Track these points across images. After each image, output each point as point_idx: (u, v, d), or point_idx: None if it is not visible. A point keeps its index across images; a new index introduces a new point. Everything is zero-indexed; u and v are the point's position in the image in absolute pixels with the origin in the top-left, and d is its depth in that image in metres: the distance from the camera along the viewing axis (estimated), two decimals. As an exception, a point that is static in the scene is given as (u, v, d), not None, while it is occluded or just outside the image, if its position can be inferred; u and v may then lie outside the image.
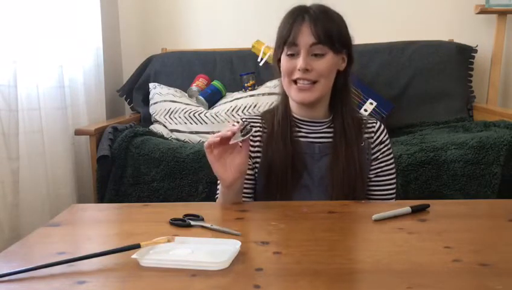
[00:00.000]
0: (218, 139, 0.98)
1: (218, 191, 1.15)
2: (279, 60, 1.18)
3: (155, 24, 2.82)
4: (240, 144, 1.01)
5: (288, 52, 1.11)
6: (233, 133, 0.99)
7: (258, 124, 1.20)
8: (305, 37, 1.09)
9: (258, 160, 1.18)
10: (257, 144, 1.18)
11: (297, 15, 1.11)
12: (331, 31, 1.10)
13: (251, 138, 1.19)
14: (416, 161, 1.77)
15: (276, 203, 1.07)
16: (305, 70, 1.09)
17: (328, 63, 1.11)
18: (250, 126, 1.05)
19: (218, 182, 1.13)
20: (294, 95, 1.13)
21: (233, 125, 1.03)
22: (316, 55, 1.10)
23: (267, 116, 1.21)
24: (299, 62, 1.09)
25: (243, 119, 1.21)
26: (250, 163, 1.18)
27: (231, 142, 0.99)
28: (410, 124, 2.37)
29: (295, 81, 1.12)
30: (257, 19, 2.70)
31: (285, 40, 1.10)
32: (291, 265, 0.72)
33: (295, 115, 1.18)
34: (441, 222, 0.91)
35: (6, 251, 0.79)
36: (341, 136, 1.15)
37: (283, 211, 0.99)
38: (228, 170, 1.02)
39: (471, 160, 1.75)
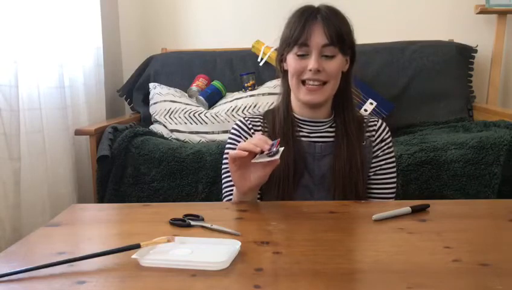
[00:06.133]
0: (246, 154, 0.94)
1: (228, 190, 1.16)
2: (281, 60, 1.18)
3: (155, 24, 2.82)
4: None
5: (299, 53, 1.11)
6: (262, 151, 0.94)
7: (260, 124, 1.20)
8: (318, 38, 1.09)
9: None
10: None
11: (308, 15, 1.11)
12: (342, 32, 1.10)
13: (251, 135, 1.19)
14: (416, 161, 1.77)
15: (276, 203, 1.07)
16: (317, 71, 1.09)
17: (338, 64, 1.11)
18: (281, 146, 0.97)
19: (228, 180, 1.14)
20: (303, 96, 1.13)
21: (264, 140, 0.96)
22: (326, 56, 1.10)
23: (269, 116, 1.21)
24: (311, 63, 1.09)
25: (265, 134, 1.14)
26: None
27: (254, 161, 0.94)
28: (410, 124, 2.36)
29: (303, 82, 1.12)
30: (257, 19, 2.70)
31: (297, 40, 1.10)
32: (291, 265, 0.72)
33: (296, 115, 1.19)
34: (441, 222, 0.91)
35: (6, 251, 0.80)
36: (343, 135, 1.15)
37: (283, 211, 0.99)
38: (247, 179, 0.99)
39: (471, 160, 1.75)
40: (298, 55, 1.11)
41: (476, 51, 2.52)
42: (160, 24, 2.82)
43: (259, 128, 1.20)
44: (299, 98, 1.15)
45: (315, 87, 1.10)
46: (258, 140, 0.96)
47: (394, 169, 1.20)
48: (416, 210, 0.95)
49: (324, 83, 1.11)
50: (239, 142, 1.17)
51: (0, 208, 1.58)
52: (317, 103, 1.14)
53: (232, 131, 1.22)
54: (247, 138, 1.18)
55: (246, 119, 1.21)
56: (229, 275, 0.68)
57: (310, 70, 1.09)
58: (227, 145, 1.21)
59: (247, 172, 0.99)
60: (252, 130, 1.19)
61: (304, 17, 1.11)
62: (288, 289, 0.65)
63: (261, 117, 1.22)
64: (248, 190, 1.01)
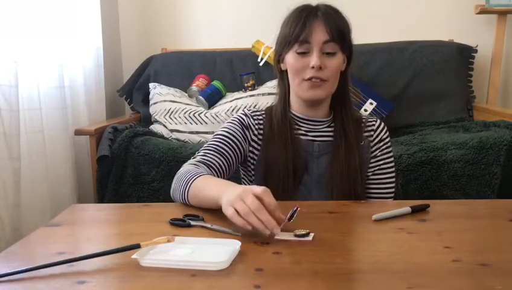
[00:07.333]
0: (250, 228, 0.81)
1: (209, 153, 1.11)
2: (278, 61, 1.18)
3: (155, 24, 2.82)
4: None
5: (299, 50, 1.10)
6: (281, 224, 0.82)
7: (262, 119, 1.20)
8: (319, 34, 1.08)
9: (253, 156, 1.18)
10: (255, 138, 1.18)
11: (308, 12, 1.10)
12: (342, 29, 1.11)
13: (254, 130, 1.18)
14: (416, 161, 1.77)
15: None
16: (319, 68, 1.08)
17: (338, 62, 1.11)
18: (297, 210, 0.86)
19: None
20: (306, 92, 1.12)
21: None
22: (327, 53, 1.10)
23: (267, 114, 1.21)
24: (313, 60, 1.08)
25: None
26: (234, 146, 1.15)
27: (278, 237, 0.82)
28: (410, 124, 2.36)
29: (306, 80, 1.11)
30: (257, 19, 2.70)
31: (297, 37, 1.09)
32: (291, 265, 0.72)
33: (295, 113, 1.19)
34: (441, 222, 0.91)
35: (6, 251, 0.79)
36: (341, 135, 1.15)
37: (283, 211, 0.99)
38: None
39: (471, 160, 1.75)
40: (298, 53, 1.10)
41: (476, 51, 2.52)
42: (160, 24, 2.82)
43: (261, 124, 1.19)
44: (301, 95, 1.14)
45: (317, 83, 1.10)
46: (267, 221, 0.80)
47: (393, 169, 1.20)
48: (416, 210, 0.95)
49: (324, 81, 1.10)
50: (234, 135, 1.15)
51: (0, 207, 1.58)
52: (318, 99, 1.13)
53: (234, 121, 1.18)
54: (245, 134, 1.17)
55: (251, 112, 1.20)
56: (229, 275, 0.68)
57: (312, 67, 1.08)
58: (222, 129, 1.17)
59: None
60: (256, 126, 1.18)
61: (304, 15, 1.10)
62: (288, 289, 0.65)
63: (263, 112, 1.22)
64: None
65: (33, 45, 1.79)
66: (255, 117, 1.19)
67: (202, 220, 0.91)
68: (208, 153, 1.12)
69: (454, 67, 2.45)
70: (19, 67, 1.64)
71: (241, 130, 1.17)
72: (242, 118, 1.19)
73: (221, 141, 1.14)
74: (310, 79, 1.10)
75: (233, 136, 1.15)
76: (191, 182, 0.99)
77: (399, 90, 2.43)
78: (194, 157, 1.12)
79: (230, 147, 1.14)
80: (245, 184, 1.25)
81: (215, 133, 1.18)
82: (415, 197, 1.76)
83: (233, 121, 1.18)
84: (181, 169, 1.08)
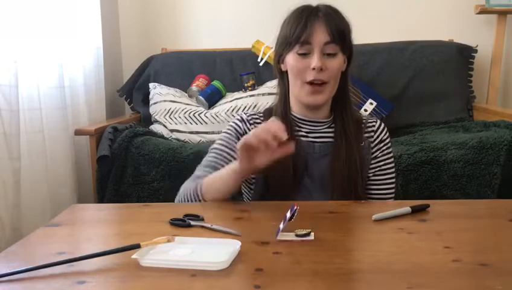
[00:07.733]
0: (248, 143, 0.93)
1: (209, 165, 1.15)
2: (278, 62, 1.17)
3: (155, 24, 2.82)
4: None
5: (300, 52, 1.09)
6: (276, 135, 0.91)
7: (260, 122, 1.20)
8: (320, 35, 1.08)
9: None
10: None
11: (309, 13, 1.10)
12: (343, 30, 1.10)
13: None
14: (416, 161, 1.77)
15: (276, 203, 1.06)
16: (320, 69, 1.08)
17: (339, 63, 1.11)
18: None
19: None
20: (306, 97, 1.11)
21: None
22: (328, 54, 1.09)
23: (267, 115, 1.20)
24: (314, 61, 1.07)
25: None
26: (232, 159, 1.16)
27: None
28: (410, 124, 2.36)
29: (307, 83, 1.10)
30: (257, 19, 2.70)
31: (298, 38, 1.08)
32: (291, 265, 0.72)
33: (295, 114, 1.18)
34: (441, 222, 0.91)
35: (6, 251, 0.80)
36: (341, 136, 1.15)
37: (283, 211, 0.99)
38: (250, 162, 0.98)
39: (471, 160, 1.75)
40: (299, 54, 1.10)
41: (476, 51, 2.52)
42: (160, 24, 2.82)
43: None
44: (301, 99, 1.14)
45: (318, 87, 1.09)
46: (266, 130, 0.91)
47: (393, 170, 1.20)
48: (416, 210, 0.95)
49: (325, 83, 1.10)
50: (231, 148, 1.15)
51: (0, 207, 1.58)
52: (320, 104, 1.13)
53: (230, 131, 1.18)
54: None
55: (249, 116, 1.19)
56: (229, 275, 0.68)
57: (313, 68, 1.07)
58: (219, 142, 1.17)
59: (252, 154, 0.97)
60: (253, 128, 1.18)
61: (305, 15, 1.10)
62: (288, 289, 0.65)
63: (261, 115, 1.21)
64: (246, 172, 1.02)
65: (33, 45, 1.79)
66: (251, 121, 1.19)
67: (202, 220, 0.91)
68: (206, 170, 1.15)
69: (454, 67, 2.45)
70: (19, 67, 1.64)
71: (237, 140, 1.15)
72: (238, 125, 1.18)
73: (218, 156, 1.16)
74: (311, 82, 1.09)
75: (230, 149, 1.15)
76: (199, 185, 1.08)
77: (399, 90, 2.43)
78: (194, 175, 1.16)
79: (227, 161, 1.14)
80: (245, 185, 1.24)
81: (212, 146, 1.19)
82: (415, 197, 1.76)
83: (229, 131, 1.18)
84: (183, 185, 1.14)
